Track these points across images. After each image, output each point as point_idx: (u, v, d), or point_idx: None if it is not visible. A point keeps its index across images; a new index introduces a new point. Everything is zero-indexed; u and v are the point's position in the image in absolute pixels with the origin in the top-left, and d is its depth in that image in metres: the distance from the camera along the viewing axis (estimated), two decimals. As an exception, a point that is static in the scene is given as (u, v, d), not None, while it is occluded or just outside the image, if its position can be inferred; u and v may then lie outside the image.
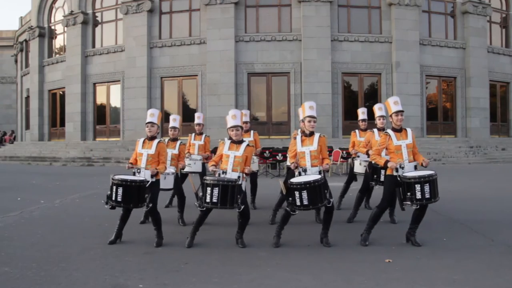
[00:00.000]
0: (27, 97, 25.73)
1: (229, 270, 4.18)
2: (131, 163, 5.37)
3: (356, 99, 19.37)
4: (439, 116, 20.29)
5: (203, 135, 7.74)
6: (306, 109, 5.18)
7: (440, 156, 17.98)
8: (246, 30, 19.17)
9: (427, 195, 4.76)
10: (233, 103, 18.34)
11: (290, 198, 4.83)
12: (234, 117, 5.22)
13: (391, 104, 5.16)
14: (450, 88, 20.66)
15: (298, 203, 4.80)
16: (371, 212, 5.22)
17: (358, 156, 6.93)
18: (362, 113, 7.21)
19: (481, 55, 20.26)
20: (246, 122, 7.59)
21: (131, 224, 6.40)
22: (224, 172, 5.05)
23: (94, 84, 21.55)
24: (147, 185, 5.10)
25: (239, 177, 4.99)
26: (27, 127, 25.96)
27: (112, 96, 21.28)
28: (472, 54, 20.03)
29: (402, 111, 5.07)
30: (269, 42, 18.90)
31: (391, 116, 5.14)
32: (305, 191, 4.75)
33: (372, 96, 19.67)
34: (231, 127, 5.19)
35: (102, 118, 21.57)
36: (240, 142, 5.19)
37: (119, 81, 20.73)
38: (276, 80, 19.19)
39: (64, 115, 22.36)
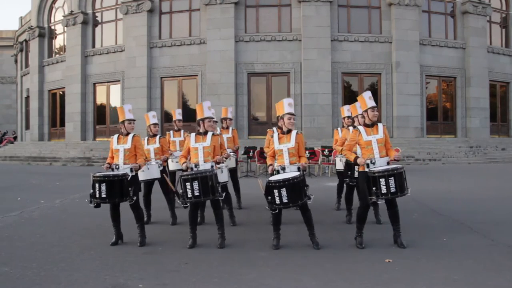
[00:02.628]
0: (27, 97, 25.73)
1: (229, 270, 4.18)
2: (108, 163, 5.34)
3: (356, 99, 19.31)
4: (439, 116, 20.28)
5: (182, 131, 7.75)
6: (285, 106, 5.17)
7: (440, 156, 17.98)
8: (246, 30, 19.16)
9: (393, 189, 4.65)
10: (233, 103, 18.34)
11: (270, 197, 4.76)
12: (210, 108, 5.40)
13: (366, 99, 5.19)
14: (450, 88, 20.66)
15: (277, 201, 4.71)
16: (356, 213, 5.09)
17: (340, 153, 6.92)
18: (347, 110, 7.14)
19: (481, 55, 20.25)
20: (226, 119, 7.75)
21: (131, 224, 6.40)
22: (196, 166, 5.11)
23: (94, 84, 21.54)
24: (129, 179, 5.11)
25: (212, 166, 5.07)
26: (27, 127, 25.95)
27: (112, 96, 21.28)
28: (472, 54, 20.03)
29: (375, 106, 5.11)
30: (269, 42, 18.89)
31: (366, 111, 5.13)
32: (284, 188, 4.67)
33: (372, 96, 19.62)
34: (201, 119, 5.32)
35: (102, 118, 21.57)
36: (205, 133, 5.29)
37: (119, 81, 20.73)
38: (276, 80, 19.19)
39: (64, 115, 22.34)
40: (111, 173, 5.11)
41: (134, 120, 5.52)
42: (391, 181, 4.65)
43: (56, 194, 9.57)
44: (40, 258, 4.57)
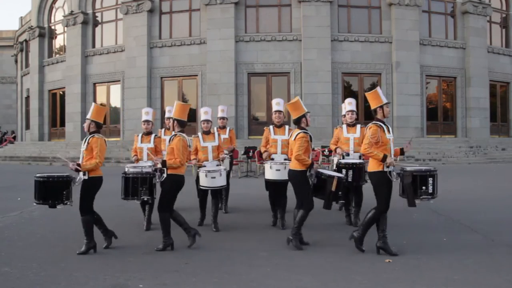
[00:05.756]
0: (27, 97, 25.71)
1: (229, 270, 4.18)
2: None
3: (356, 99, 19.25)
4: (439, 116, 20.27)
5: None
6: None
7: (440, 156, 17.98)
8: (246, 30, 19.15)
9: (431, 190, 4.72)
10: (233, 103, 18.34)
11: (340, 192, 4.94)
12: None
13: (380, 95, 4.86)
14: (450, 88, 20.65)
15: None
16: (366, 215, 4.81)
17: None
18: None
19: (481, 55, 20.24)
20: (222, 118, 7.52)
21: (130, 224, 6.40)
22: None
23: (94, 84, 21.52)
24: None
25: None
26: (27, 127, 25.94)
27: (112, 96, 21.26)
28: (472, 54, 20.02)
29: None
30: (269, 42, 18.88)
31: (381, 107, 4.77)
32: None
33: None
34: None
35: (102, 118, 21.53)
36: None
37: (119, 81, 20.72)
38: (276, 80, 19.18)
39: (64, 115, 22.33)
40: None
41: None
42: (431, 181, 4.73)
43: (56, 194, 9.54)
44: (40, 258, 4.57)
